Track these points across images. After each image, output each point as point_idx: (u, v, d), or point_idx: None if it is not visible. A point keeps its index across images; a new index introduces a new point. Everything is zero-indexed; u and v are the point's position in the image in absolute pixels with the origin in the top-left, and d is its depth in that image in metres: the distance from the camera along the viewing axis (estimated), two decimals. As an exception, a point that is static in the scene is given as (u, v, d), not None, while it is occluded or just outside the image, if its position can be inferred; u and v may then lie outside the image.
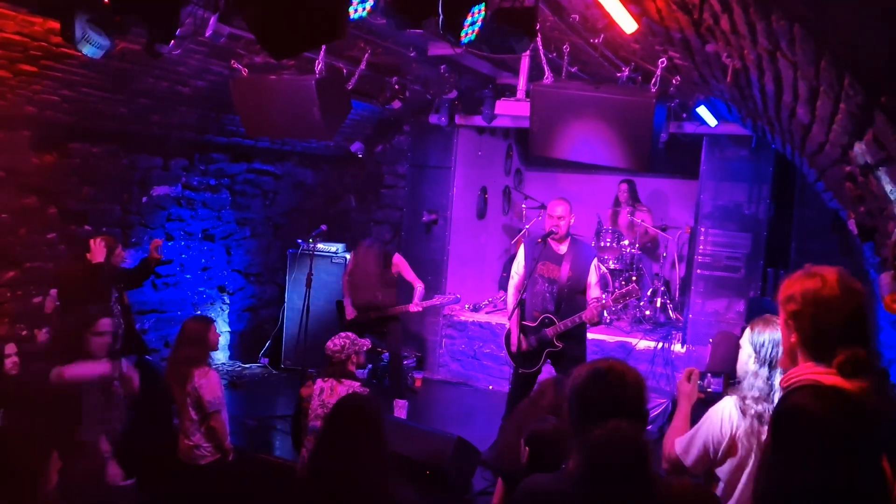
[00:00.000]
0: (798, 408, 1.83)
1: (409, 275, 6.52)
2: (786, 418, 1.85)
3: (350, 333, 4.56)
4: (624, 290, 5.24)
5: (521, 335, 5.26)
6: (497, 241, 9.37)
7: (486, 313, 8.06)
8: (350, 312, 6.57)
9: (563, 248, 5.27)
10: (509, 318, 5.38)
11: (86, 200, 5.70)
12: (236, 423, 5.71)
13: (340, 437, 2.63)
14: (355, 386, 4.32)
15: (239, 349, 7.76)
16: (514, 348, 5.28)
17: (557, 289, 5.20)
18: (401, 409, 6.31)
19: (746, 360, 2.62)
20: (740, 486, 2.56)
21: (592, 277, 5.23)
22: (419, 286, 6.44)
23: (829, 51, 1.83)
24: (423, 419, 6.48)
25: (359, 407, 2.78)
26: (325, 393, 4.27)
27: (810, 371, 1.91)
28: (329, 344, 4.42)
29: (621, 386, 1.97)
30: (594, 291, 5.22)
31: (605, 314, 5.48)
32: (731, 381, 2.77)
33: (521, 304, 5.35)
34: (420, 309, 6.43)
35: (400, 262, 6.57)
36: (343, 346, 4.38)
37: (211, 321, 4.62)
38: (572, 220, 5.37)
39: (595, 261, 5.33)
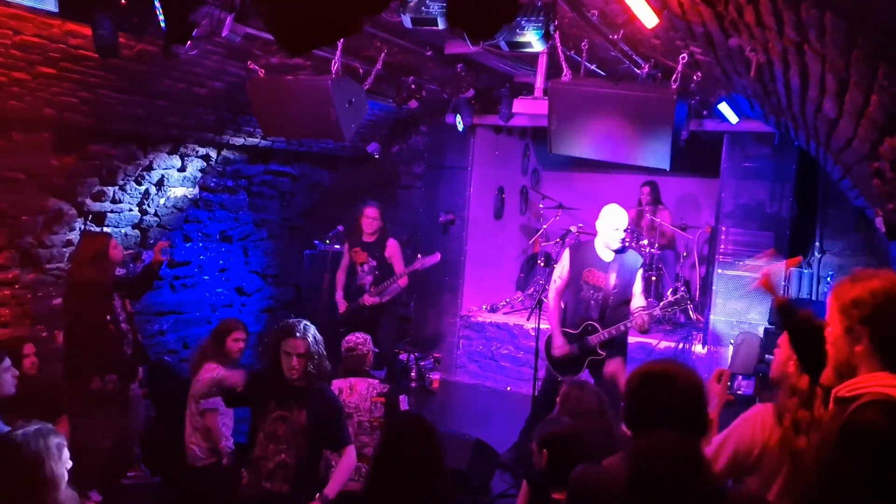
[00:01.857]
0: (868, 426, 1.71)
1: (400, 266, 6.25)
2: (854, 436, 1.72)
3: (365, 334, 4.54)
4: (673, 299, 5.02)
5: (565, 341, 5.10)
6: (514, 241, 9.32)
7: (504, 314, 8.01)
8: (342, 305, 6.36)
9: (609, 256, 5.09)
10: (550, 322, 5.22)
11: (105, 202, 5.72)
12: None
13: (398, 461, 2.57)
14: (374, 383, 4.31)
15: (257, 350, 7.76)
16: (558, 352, 5.10)
17: (602, 297, 5.02)
18: (402, 404, 6.26)
19: (785, 361, 2.52)
20: (771, 496, 2.46)
21: (638, 287, 5.06)
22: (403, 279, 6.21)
23: (864, 38, 1.76)
24: (441, 421, 6.41)
25: (415, 427, 2.73)
26: (345, 392, 4.25)
27: (880, 383, 1.78)
28: (349, 337, 4.42)
29: (670, 393, 1.90)
30: (639, 300, 5.03)
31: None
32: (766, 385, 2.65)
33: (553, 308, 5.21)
34: (405, 281, 6.18)
35: (393, 248, 6.32)
36: (365, 339, 4.40)
37: (236, 328, 4.59)
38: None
39: (641, 270, 5.14)
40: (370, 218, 6.30)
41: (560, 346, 5.08)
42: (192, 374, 4.50)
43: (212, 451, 4.37)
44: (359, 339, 4.40)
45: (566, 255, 5.33)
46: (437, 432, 2.72)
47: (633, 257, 5.20)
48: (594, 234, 5.25)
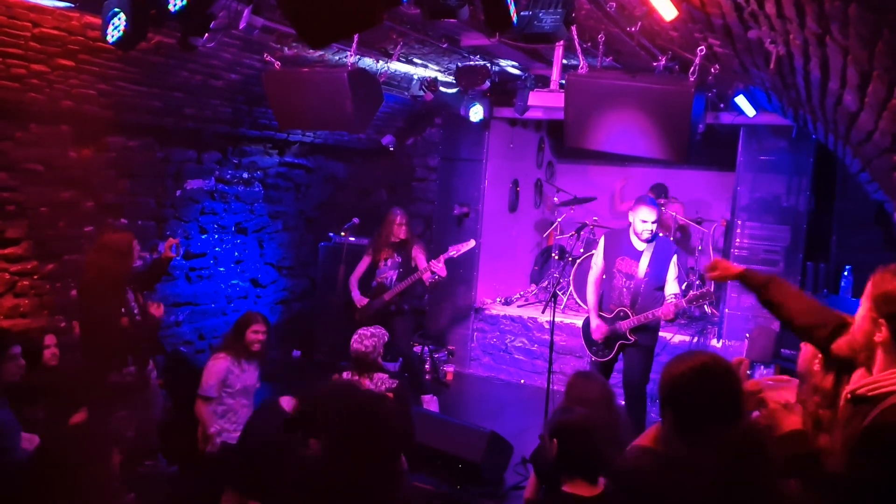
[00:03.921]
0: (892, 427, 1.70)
1: (423, 263, 6.10)
2: (880, 437, 1.71)
3: (375, 330, 4.44)
4: (699, 293, 5.12)
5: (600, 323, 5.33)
6: (529, 234, 9.30)
7: (518, 307, 8.01)
8: (360, 300, 6.31)
9: (642, 245, 5.26)
10: (589, 308, 5.48)
11: (122, 194, 5.77)
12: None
13: (343, 441, 2.49)
14: (384, 377, 4.27)
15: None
16: (596, 334, 5.31)
17: (634, 284, 5.23)
18: (429, 404, 6.27)
19: (811, 358, 2.48)
20: None
21: (671, 274, 5.22)
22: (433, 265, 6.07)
23: (890, 30, 1.74)
24: (455, 413, 6.45)
25: (362, 411, 2.61)
26: (355, 386, 4.26)
27: None
28: (357, 346, 4.25)
29: (711, 384, 1.88)
30: (672, 287, 5.19)
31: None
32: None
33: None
34: (437, 271, 5.96)
35: (418, 249, 6.24)
36: (374, 346, 4.26)
37: (256, 321, 4.61)
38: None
39: (675, 257, 5.28)
40: (398, 224, 6.24)
41: (597, 329, 5.31)
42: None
43: (204, 437, 4.47)
44: (367, 349, 4.28)
45: (601, 243, 5.55)
46: (388, 413, 2.63)
47: (666, 245, 5.35)
48: (609, 228, 5.43)
